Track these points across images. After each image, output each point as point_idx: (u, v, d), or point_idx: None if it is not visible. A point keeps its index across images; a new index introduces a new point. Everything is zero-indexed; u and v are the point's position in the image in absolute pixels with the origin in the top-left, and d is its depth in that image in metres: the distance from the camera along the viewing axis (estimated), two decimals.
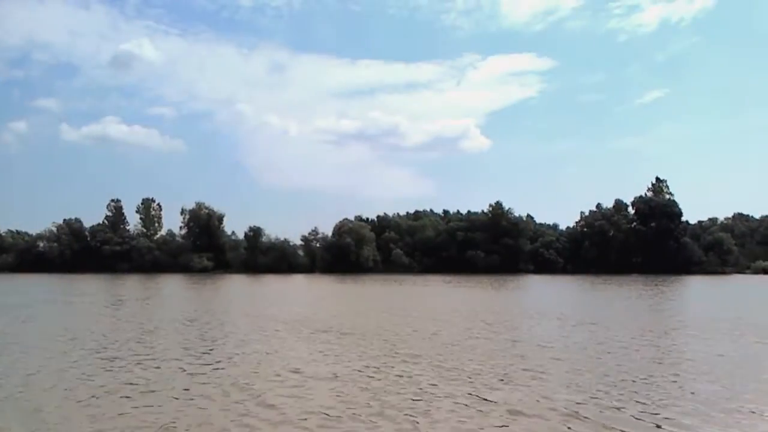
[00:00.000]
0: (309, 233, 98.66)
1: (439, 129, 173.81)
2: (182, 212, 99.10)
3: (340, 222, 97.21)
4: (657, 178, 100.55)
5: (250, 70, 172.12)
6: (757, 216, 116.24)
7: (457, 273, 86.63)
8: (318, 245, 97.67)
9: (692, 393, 11.19)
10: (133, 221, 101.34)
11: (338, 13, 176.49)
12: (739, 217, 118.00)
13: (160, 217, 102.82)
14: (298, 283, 63.58)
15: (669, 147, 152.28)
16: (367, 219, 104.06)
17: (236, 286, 57.72)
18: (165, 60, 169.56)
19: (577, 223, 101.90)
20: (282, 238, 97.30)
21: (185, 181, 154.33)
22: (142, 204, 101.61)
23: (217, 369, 13.41)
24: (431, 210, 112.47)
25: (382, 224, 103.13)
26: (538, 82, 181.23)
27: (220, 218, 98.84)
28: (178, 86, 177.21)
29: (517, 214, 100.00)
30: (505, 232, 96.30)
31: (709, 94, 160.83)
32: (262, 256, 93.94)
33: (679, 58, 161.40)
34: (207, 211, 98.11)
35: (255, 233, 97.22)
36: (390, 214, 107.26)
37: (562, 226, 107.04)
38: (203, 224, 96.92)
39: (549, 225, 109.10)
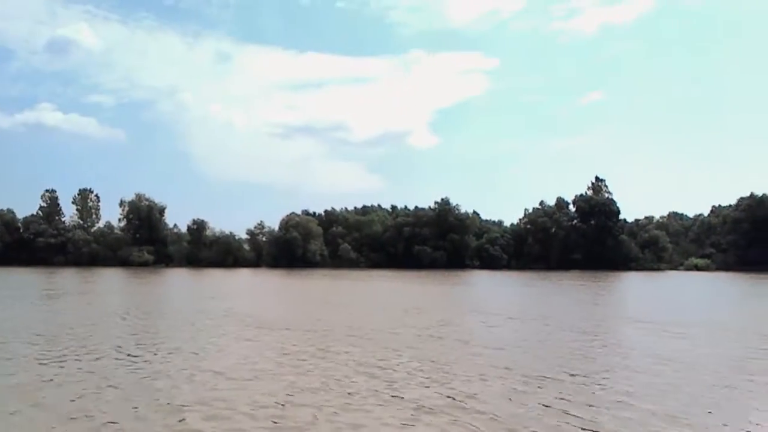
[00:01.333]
0: (255, 227, 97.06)
1: (387, 124, 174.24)
2: (121, 204, 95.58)
3: (287, 216, 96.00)
4: (596, 177, 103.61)
5: (194, 59, 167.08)
6: (691, 215, 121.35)
7: (405, 268, 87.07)
8: (264, 239, 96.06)
9: (609, 388, 11.49)
10: (69, 213, 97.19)
11: (285, 4, 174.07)
12: (674, 216, 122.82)
13: (98, 209, 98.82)
14: (241, 277, 62.47)
15: (608, 147, 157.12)
16: (314, 213, 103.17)
17: (175, 280, 56.22)
18: (105, 47, 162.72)
19: (521, 220, 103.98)
20: (227, 232, 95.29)
21: (125, 171, 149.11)
22: (78, 195, 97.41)
23: (134, 367, 12.93)
24: (379, 205, 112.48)
25: (330, 219, 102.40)
26: (486, 81, 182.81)
27: (162, 210, 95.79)
28: (118, 74, 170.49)
29: (463, 211, 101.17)
30: (451, 228, 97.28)
31: (645, 97, 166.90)
32: (206, 250, 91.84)
33: (617, 61, 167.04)
34: (147, 202, 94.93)
35: (198, 226, 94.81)
36: (337, 208, 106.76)
37: (507, 223, 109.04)
38: (144, 216, 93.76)
39: (494, 221, 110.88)
